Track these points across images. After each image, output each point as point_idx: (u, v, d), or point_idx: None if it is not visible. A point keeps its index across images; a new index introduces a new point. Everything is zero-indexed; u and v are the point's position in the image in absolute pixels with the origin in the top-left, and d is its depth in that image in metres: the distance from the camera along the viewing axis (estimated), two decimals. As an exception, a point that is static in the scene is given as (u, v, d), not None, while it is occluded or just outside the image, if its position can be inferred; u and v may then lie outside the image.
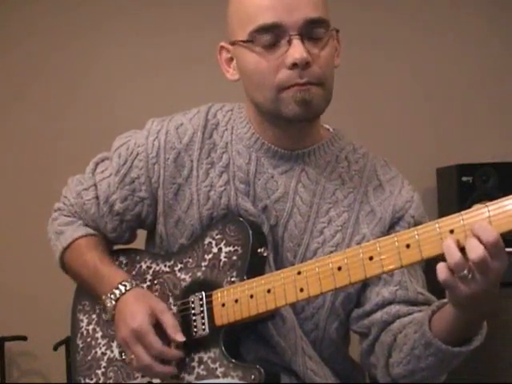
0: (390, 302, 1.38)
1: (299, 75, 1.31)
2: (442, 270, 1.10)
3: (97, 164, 1.55)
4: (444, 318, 1.23)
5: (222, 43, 1.41)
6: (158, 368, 1.35)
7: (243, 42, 1.34)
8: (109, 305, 1.41)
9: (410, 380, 1.32)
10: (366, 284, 1.40)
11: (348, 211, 1.41)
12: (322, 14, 1.32)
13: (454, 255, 1.08)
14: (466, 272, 1.08)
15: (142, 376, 1.42)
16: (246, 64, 1.36)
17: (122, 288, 1.41)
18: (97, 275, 1.46)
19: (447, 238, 1.10)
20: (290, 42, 1.30)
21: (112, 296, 1.41)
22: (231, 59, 1.40)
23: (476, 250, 1.06)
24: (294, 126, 1.38)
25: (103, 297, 1.42)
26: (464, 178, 2.95)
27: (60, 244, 1.53)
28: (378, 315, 1.38)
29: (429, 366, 1.27)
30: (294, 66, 1.30)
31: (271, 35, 1.31)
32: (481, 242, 1.06)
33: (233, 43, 1.38)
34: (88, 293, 1.52)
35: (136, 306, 1.37)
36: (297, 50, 1.29)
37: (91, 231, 1.53)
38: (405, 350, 1.30)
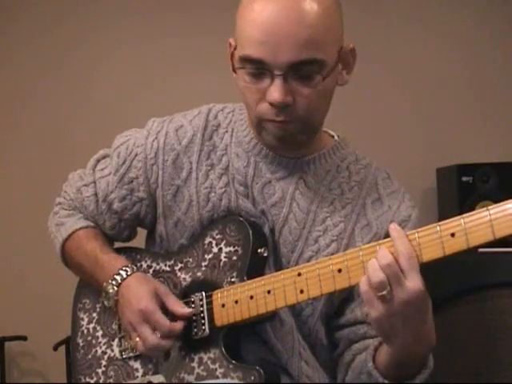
0: (361, 322, 1.39)
1: (276, 114, 1.29)
2: (364, 284, 1.14)
3: (98, 161, 1.56)
4: (383, 351, 1.27)
5: (231, 40, 1.37)
6: (166, 345, 1.35)
7: (236, 62, 1.32)
8: (111, 291, 1.41)
9: None
10: (347, 297, 1.40)
11: (344, 222, 1.41)
12: (314, 54, 1.26)
13: (377, 274, 1.12)
14: (385, 292, 1.11)
15: (142, 375, 1.43)
16: (237, 81, 1.35)
17: (123, 273, 1.41)
18: (97, 263, 1.46)
19: (371, 259, 1.14)
20: (272, 80, 1.27)
21: (113, 282, 1.41)
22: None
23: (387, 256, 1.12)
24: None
25: (104, 284, 1.42)
26: (464, 178, 2.94)
27: (60, 235, 1.54)
28: (346, 331, 1.40)
29: None
30: (272, 104, 1.29)
31: (256, 67, 1.28)
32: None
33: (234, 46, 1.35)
34: (89, 282, 1.52)
35: (140, 289, 1.38)
36: (276, 91, 1.26)
37: (91, 224, 1.54)
38: (356, 372, 1.34)
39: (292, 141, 1.35)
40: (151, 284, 1.40)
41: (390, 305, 1.12)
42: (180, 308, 1.37)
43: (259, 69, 1.28)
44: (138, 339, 1.36)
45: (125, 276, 1.41)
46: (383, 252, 1.13)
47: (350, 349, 1.39)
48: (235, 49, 1.34)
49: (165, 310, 1.37)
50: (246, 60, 1.28)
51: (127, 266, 1.43)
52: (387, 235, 1.37)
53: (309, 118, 1.32)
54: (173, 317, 1.36)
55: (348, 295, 1.39)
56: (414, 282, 1.11)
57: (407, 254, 1.11)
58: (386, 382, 1.27)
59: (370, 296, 1.13)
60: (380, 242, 1.18)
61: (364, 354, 1.34)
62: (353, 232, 1.40)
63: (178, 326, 1.35)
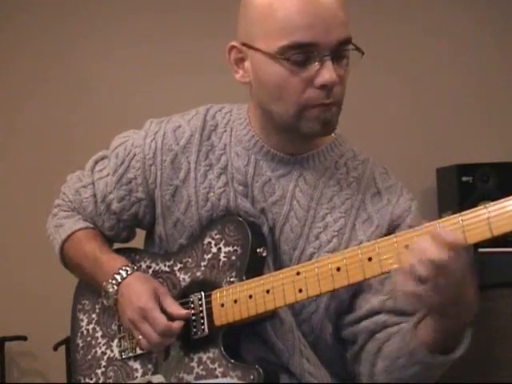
0: (378, 312, 1.38)
1: (326, 96, 1.31)
2: (406, 283, 1.11)
3: (96, 162, 1.56)
4: (427, 327, 1.24)
5: (234, 43, 1.37)
6: (166, 342, 1.36)
7: (271, 54, 1.31)
8: (111, 290, 1.41)
9: None
10: (357, 290, 1.39)
11: (345, 217, 1.41)
12: (349, 31, 1.32)
13: (418, 267, 1.09)
14: (430, 282, 1.09)
15: (142, 375, 1.43)
16: (268, 76, 1.33)
17: (123, 273, 1.42)
18: (96, 263, 1.46)
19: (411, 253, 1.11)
20: (321, 63, 1.29)
21: (113, 281, 1.41)
22: (242, 60, 1.37)
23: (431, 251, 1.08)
24: (306, 138, 1.39)
25: (104, 283, 1.42)
26: (464, 178, 2.94)
27: (59, 237, 1.54)
28: (365, 323, 1.39)
29: (413, 376, 1.27)
30: (324, 86, 1.30)
31: (304, 53, 1.29)
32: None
33: (249, 47, 1.34)
34: (88, 283, 1.52)
35: (140, 287, 1.39)
36: (329, 72, 1.28)
37: (90, 225, 1.54)
38: (390, 358, 1.31)
39: (333, 124, 1.36)
40: (151, 283, 1.41)
41: (439, 294, 1.10)
42: (176, 309, 1.37)
43: (307, 53, 1.29)
44: (140, 337, 1.37)
45: (125, 275, 1.41)
46: (424, 246, 1.09)
47: (374, 339, 1.37)
48: (252, 47, 1.33)
49: (164, 310, 1.37)
50: (292, 47, 1.29)
51: (127, 266, 1.43)
52: (388, 230, 1.39)
53: (343, 99, 1.35)
54: (171, 316, 1.37)
55: (359, 288, 1.38)
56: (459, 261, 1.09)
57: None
58: (444, 358, 1.23)
59: (417, 292, 1.11)
60: (378, 240, 1.19)
61: (394, 340, 1.32)
62: (354, 227, 1.41)
63: (176, 325, 1.35)
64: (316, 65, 1.29)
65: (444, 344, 1.23)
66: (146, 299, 1.36)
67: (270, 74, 1.32)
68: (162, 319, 1.34)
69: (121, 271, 1.42)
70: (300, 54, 1.29)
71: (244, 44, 1.35)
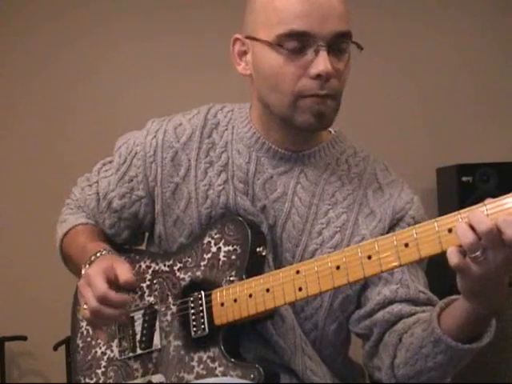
0: (392, 301, 1.37)
1: (320, 86, 1.31)
2: (453, 255, 1.08)
3: (104, 164, 1.58)
4: (453, 314, 1.22)
5: (238, 35, 1.40)
6: (105, 311, 1.30)
7: (269, 42, 1.33)
8: (83, 272, 1.37)
9: (416, 381, 1.31)
10: (366, 284, 1.40)
11: (347, 212, 1.41)
12: (349, 26, 1.33)
13: (468, 236, 1.07)
14: (479, 253, 1.06)
15: (142, 375, 1.43)
16: (265, 65, 1.35)
17: (98, 254, 1.38)
18: (83, 253, 1.43)
19: (460, 222, 1.09)
20: (316, 53, 1.30)
21: (88, 264, 1.37)
22: (245, 53, 1.40)
23: (486, 222, 1.06)
24: (302, 132, 1.39)
25: (82, 267, 1.38)
26: (464, 178, 2.95)
27: (61, 231, 1.55)
28: (379, 315, 1.38)
29: (437, 365, 1.26)
30: (318, 77, 1.31)
31: (300, 42, 1.31)
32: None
33: (252, 38, 1.37)
34: (78, 276, 1.49)
35: (100, 261, 1.35)
36: (323, 62, 1.30)
37: (92, 222, 1.55)
38: (411, 349, 1.29)
39: (328, 118, 1.36)
40: (112, 258, 1.37)
41: (485, 266, 1.07)
42: (125, 273, 1.31)
43: (303, 41, 1.31)
44: (85, 306, 1.32)
45: (98, 256, 1.38)
46: (478, 217, 1.07)
47: (392, 331, 1.36)
48: (254, 38, 1.35)
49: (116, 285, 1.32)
50: (288, 35, 1.31)
51: (104, 249, 1.40)
52: (391, 223, 1.40)
53: (340, 94, 1.36)
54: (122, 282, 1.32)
55: (367, 281, 1.38)
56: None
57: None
58: (471, 346, 1.20)
59: (462, 265, 1.08)
60: (378, 238, 1.19)
61: (415, 331, 1.30)
62: (356, 222, 1.41)
63: (115, 294, 1.30)
64: (311, 54, 1.31)
65: (469, 332, 1.21)
66: (95, 267, 1.33)
67: (267, 62, 1.34)
68: (101, 284, 1.29)
69: (97, 253, 1.38)
70: (295, 42, 1.31)
71: (247, 37, 1.38)
